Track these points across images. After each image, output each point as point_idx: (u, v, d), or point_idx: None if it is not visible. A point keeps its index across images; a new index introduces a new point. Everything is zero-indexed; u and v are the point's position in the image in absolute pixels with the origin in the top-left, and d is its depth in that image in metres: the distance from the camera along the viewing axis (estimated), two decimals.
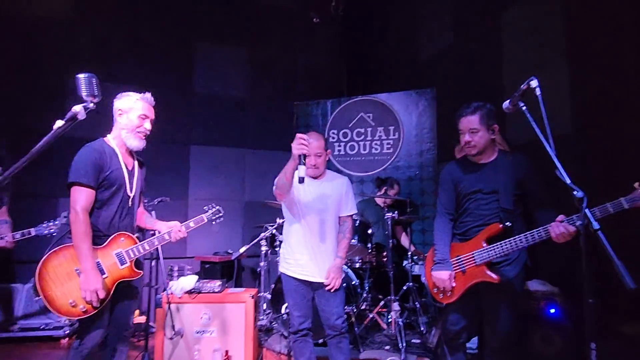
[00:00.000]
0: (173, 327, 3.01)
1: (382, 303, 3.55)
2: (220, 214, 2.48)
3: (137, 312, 4.12)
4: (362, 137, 5.00)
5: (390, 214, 3.42)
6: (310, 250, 2.43)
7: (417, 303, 3.55)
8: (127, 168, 2.23)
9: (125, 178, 2.20)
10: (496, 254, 2.12)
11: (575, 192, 1.29)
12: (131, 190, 2.24)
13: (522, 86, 1.63)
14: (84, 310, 2.00)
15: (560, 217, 1.92)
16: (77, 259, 2.02)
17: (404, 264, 3.91)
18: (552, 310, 2.51)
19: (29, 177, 3.20)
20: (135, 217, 2.30)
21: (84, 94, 1.48)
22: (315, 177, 2.49)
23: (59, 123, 1.41)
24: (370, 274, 3.79)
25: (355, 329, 3.21)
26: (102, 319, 2.09)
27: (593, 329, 1.27)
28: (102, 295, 1.99)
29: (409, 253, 3.75)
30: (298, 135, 2.14)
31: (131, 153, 2.30)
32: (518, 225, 2.15)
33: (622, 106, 2.61)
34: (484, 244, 2.16)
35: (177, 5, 5.13)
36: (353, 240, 3.48)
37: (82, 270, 1.99)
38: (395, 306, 3.26)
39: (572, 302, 2.57)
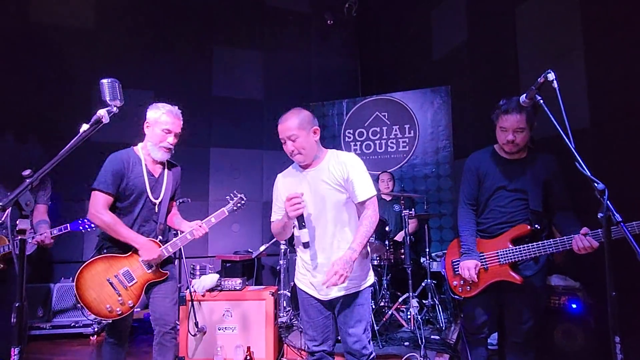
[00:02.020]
0: (196, 324, 3.10)
1: (400, 300, 3.56)
2: (243, 201, 2.50)
3: None
4: (378, 136, 5.02)
5: (407, 211, 3.44)
6: (323, 259, 1.97)
7: (435, 299, 3.56)
8: (152, 176, 2.34)
9: (146, 185, 2.30)
10: (522, 257, 2.11)
11: (596, 184, 1.30)
12: (156, 197, 2.34)
13: (539, 79, 1.63)
14: (120, 312, 2.19)
15: (584, 229, 1.90)
16: (108, 269, 2.22)
17: (422, 261, 3.92)
18: (574, 306, 2.50)
19: (56, 181, 3.34)
20: (162, 222, 2.39)
21: (107, 98, 1.54)
22: (306, 166, 2.04)
23: (85, 127, 1.48)
24: (388, 271, 3.82)
25: (375, 325, 3.24)
26: (130, 319, 2.35)
27: (616, 322, 1.27)
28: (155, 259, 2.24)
29: (427, 250, 3.75)
30: (289, 195, 1.86)
31: (162, 162, 2.40)
32: (546, 227, 2.14)
33: None
34: (510, 245, 2.16)
35: (195, 12, 5.26)
36: (371, 238, 3.50)
37: (138, 247, 2.21)
38: (414, 302, 3.27)
39: (594, 298, 2.55)
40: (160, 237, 2.35)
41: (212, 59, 5.31)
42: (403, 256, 3.77)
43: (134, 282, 2.25)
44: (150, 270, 2.28)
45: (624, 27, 2.67)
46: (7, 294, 2.58)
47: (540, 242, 2.04)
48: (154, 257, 2.22)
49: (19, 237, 1.10)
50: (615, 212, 1.24)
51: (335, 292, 1.96)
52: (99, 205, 2.20)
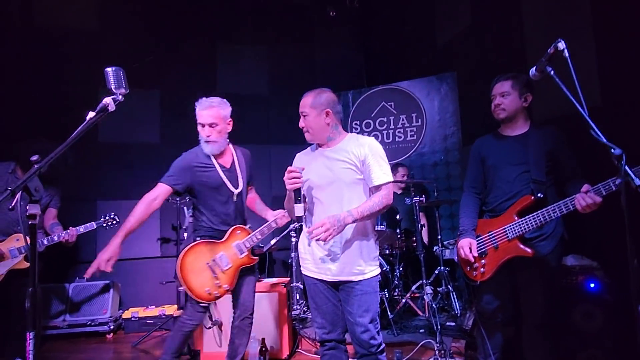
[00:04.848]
0: (211, 317, 3.10)
1: (414, 287, 3.54)
2: None
3: (175, 306, 4.26)
4: (385, 126, 4.99)
5: (417, 198, 3.40)
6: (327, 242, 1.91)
7: (449, 286, 3.52)
8: (224, 168, 2.42)
9: (222, 177, 2.39)
10: (528, 227, 2.08)
11: (612, 150, 1.26)
12: (236, 187, 2.42)
13: (548, 50, 1.60)
14: (217, 295, 2.32)
15: (585, 187, 1.87)
16: (206, 254, 2.34)
17: (434, 249, 3.88)
18: (592, 285, 2.44)
19: (70, 182, 3.37)
20: (244, 209, 2.50)
21: (113, 86, 1.54)
22: (322, 146, 2.05)
23: (91, 114, 1.49)
24: (401, 260, 3.79)
25: (389, 314, 3.22)
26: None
27: (639, 291, 1.23)
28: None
29: (439, 237, 3.71)
30: (289, 168, 1.90)
31: (225, 151, 2.46)
32: (551, 197, 2.11)
33: None
34: (516, 218, 2.13)
35: (199, 10, 5.25)
36: (381, 226, 3.48)
37: (110, 244, 2.13)
38: (428, 289, 3.24)
39: (613, 277, 2.49)
40: (248, 224, 2.48)
41: (217, 56, 5.31)
42: (415, 244, 3.75)
43: (229, 266, 2.36)
44: (242, 255, 2.38)
45: (633, 3, 2.60)
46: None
47: (544, 208, 2.01)
48: (103, 257, 2.09)
49: (30, 222, 1.11)
50: (634, 177, 1.21)
51: (338, 273, 1.94)
52: (152, 194, 2.29)
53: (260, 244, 4.78)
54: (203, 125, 2.36)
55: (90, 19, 4.84)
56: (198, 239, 2.39)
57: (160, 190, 2.31)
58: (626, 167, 1.22)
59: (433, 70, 4.79)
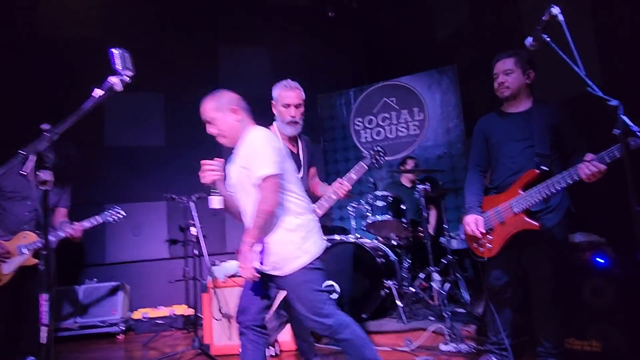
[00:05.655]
0: (220, 309, 3.12)
1: (422, 275, 3.52)
2: (382, 153, 2.41)
3: (184, 306, 4.28)
4: (388, 121, 5.01)
5: (421, 186, 3.40)
6: None
7: (458, 275, 3.50)
8: (292, 153, 2.43)
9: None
10: (534, 200, 2.08)
11: (609, 102, 1.28)
12: (297, 172, 2.33)
13: (542, 17, 1.63)
14: None
15: (589, 156, 1.89)
16: None
17: (440, 240, 3.86)
18: (601, 260, 2.43)
19: (76, 186, 3.43)
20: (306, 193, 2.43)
21: (119, 67, 1.55)
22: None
23: (98, 92, 1.50)
24: (408, 250, 3.78)
25: (399, 303, 3.20)
26: None
27: None
28: None
29: (445, 227, 3.69)
30: (202, 162, 1.89)
31: (295, 136, 2.48)
32: (556, 170, 2.12)
33: None
34: (521, 192, 2.14)
35: (200, 13, 5.34)
36: (387, 216, 3.48)
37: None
38: (436, 276, 3.23)
39: (621, 253, 2.47)
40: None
41: (218, 58, 5.38)
42: (422, 234, 3.74)
43: None
44: None
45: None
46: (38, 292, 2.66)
47: (548, 180, 2.02)
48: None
49: (42, 188, 1.14)
50: (631, 125, 1.22)
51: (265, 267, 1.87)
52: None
53: None
54: (288, 106, 2.37)
55: (94, 27, 4.93)
56: None
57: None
58: (623, 116, 1.23)
59: (433, 64, 4.83)
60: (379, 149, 2.42)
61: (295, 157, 2.45)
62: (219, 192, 1.90)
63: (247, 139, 1.86)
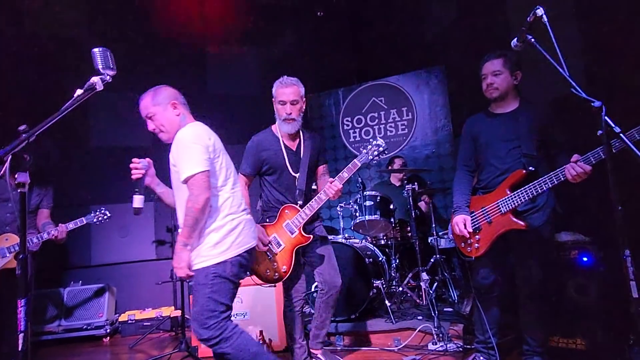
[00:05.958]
0: None
1: (410, 275, 3.53)
2: (383, 147, 2.32)
3: (172, 308, 4.23)
4: (376, 121, 5.02)
5: (409, 185, 3.41)
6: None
7: (446, 274, 3.52)
8: (291, 150, 2.42)
9: (285, 161, 2.39)
10: (521, 200, 2.10)
11: (592, 103, 1.29)
12: (295, 171, 2.40)
13: (527, 18, 1.63)
14: (277, 277, 2.37)
15: (575, 157, 1.92)
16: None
17: (429, 240, 3.88)
18: (585, 259, 2.46)
19: (61, 186, 3.35)
20: (302, 189, 2.40)
21: (100, 67, 1.53)
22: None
23: (79, 92, 1.48)
24: (396, 250, 3.79)
25: (387, 302, 3.21)
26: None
27: (624, 236, 1.25)
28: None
29: (433, 225, 3.72)
30: (133, 160, 1.94)
31: (297, 133, 2.45)
32: (543, 171, 2.14)
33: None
34: (508, 192, 2.16)
35: (188, 14, 5.27)
36: (375, 216, 3.48)
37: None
38: (424, 276, 3.24)
39: (605, 251, 2.51)
40: (300, 202, 2.40)
41: (207, 59, 5.33)
42: (410, 234, 3.75)
43: (282, 247, 2.36)
44: (293, 235, 2.36)
45: None
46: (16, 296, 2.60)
47: (535, 181, 2.04)
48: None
49: (19, 190, 1.11)
50: (614, 125, 1.23)
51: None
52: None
53: None
54: (284, 103, 2.35)
55: (80, 26, 4.84)
56: (267, 220, 2.42)
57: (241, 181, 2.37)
58: (605, 117, 1.24)
59: (422, 64, 4.85)
60: (379, 145, 2.33)
61: (294, 155, 2.42)
62: (140, 191, 1.91)
63: (176, 137, 1.85)
